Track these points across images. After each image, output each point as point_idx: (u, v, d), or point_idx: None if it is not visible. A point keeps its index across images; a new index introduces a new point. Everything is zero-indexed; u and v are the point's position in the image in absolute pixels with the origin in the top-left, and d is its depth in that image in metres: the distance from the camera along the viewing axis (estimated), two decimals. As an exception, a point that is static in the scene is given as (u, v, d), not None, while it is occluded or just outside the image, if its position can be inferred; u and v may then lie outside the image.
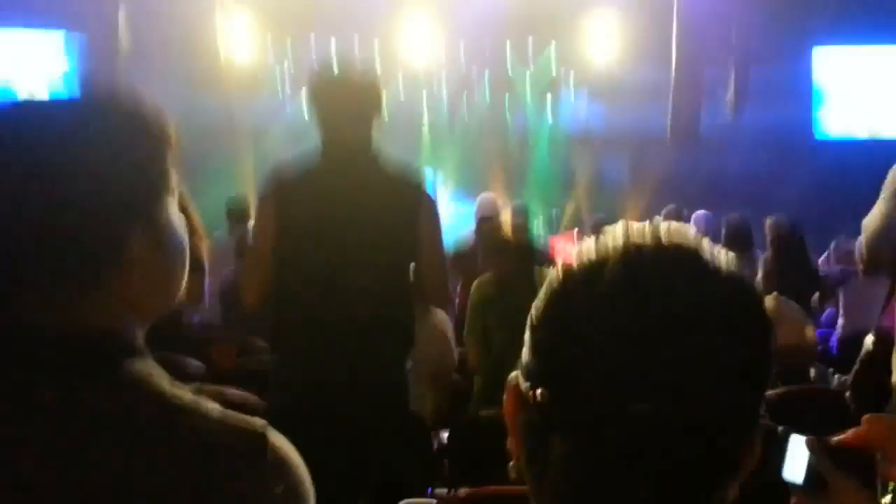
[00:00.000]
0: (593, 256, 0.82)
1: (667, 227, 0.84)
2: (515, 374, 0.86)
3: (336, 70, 3.13)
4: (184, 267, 1.04)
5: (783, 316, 4.85)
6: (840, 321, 5.91)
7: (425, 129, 18.06)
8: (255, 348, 4.96)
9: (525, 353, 0.86)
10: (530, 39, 16.50)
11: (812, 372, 5.19)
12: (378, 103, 2.93)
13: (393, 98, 18.08)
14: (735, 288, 0.82)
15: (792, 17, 15.46)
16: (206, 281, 6.56)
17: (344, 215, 2.78)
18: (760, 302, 0.86)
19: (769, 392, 0.89)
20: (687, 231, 0.85)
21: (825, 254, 9.11)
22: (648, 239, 0.83)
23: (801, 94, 16.17)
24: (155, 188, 1.01)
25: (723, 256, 0.83)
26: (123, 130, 1.00)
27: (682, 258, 0.82)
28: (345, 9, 15.23)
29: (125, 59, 14.07)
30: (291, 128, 18.33)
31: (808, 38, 16.08)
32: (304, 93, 15.95)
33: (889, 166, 3.34)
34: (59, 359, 0.89)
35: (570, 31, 15.80)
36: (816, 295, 6.43)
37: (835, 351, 5.91)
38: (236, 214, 8.39)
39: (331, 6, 15.20)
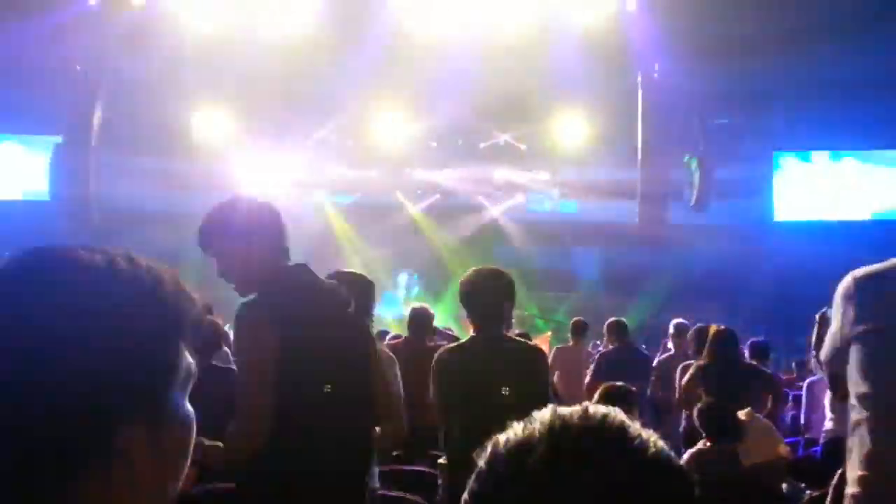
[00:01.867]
0: (520, 439, 0.83)
1: (594, 410, 0.85)
2: None
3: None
4: (181, 473, 0.91)
5: (755, 431, 4.83)
6: (828, 423, 5.79)
7: (398, 221, 18.28)
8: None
9: None
10: (502, 138, 16.85)
11: (784, 487, 5.16)
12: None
13: (368, 186, 18.42)
14: (663, 470, 0.82)
15: (753, 122, 16.14)
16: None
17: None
18: (692, 486, 0.85)
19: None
20: (614, 412, 0.85)
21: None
22: (575, 420, 0.83)
23: (761, 190, 16.73)
24: (162, 377, 0.87)
25: (651, 436, 0.83)
26: (133, 304, 0.84)
27: (608, 440, 0.82)
28: (321, 108, 15.54)
29: (97, 156, 14.12)
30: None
31: (768, 142, 16.76)
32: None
33: (838, 249, 3.38)
34: None
35: (539, 131, 16.18)
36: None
37: (819, 456, 5.81)
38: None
39: (307, 102, 15.48)
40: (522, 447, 0.83)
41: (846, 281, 2.24)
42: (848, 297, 2.21)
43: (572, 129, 15.49)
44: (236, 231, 2.78)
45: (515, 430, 0.85)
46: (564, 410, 0.85)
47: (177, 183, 16.76)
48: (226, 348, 5.91)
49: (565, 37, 13.23)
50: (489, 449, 0.85)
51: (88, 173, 13.90)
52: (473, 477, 0.85)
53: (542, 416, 0.85)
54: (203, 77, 14.65)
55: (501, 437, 0.85)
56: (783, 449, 4.98)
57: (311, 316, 2.86)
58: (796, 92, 14.98)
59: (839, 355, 2.28)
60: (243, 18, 13.47)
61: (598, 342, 10.93)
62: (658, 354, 8.44)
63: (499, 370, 3.60)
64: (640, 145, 14.03)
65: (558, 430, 0.82)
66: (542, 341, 9.82)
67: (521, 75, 14.01)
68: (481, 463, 0.85)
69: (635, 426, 0.84)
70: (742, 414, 4.88)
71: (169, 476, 0.89)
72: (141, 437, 0.83)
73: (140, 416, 0.83)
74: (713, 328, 5.96)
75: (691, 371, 5.72)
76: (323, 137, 16.71)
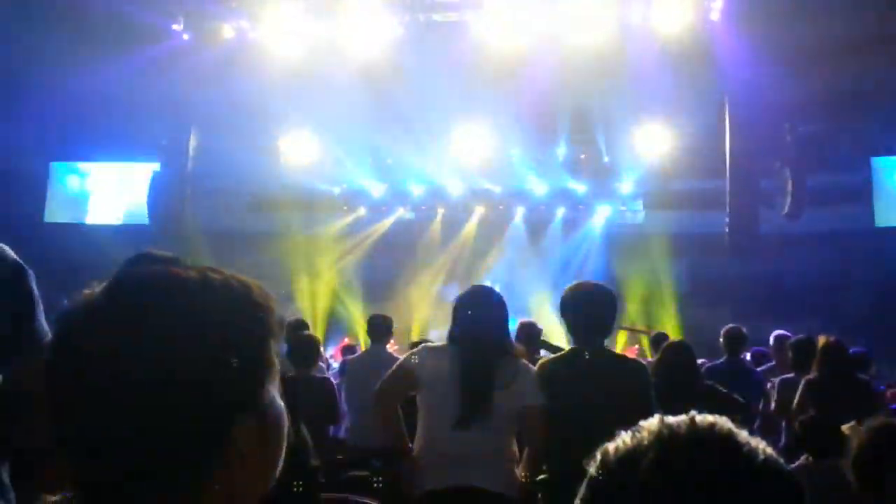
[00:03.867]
0: (629, 446, 0.85)
1: (701, 418, 0.85)
2: None
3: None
4: (280, 460, 0.98)
5: None
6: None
7: (475, 237, 18.33)
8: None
9: None
10: (582, 155, 16.75)
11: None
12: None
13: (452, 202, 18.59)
14: (772, 477, 0.82)
15: (848, 126, 15.51)
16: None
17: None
18: (802, 492, 0.85)
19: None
20: (722, 420, 0.86)
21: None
22: (683, 430, 0.84)
23: (858, 197, 16.06)
24: (262, 376, 0.95)
25: (759, 443, 0.84)
26: (231, 309, 0.93)
27: (716, 448, 0.83)
28: (403, 127, 15.78)
29: (193, 181, 14.74)
30: (346, 242, 18.97)
31: (865, 147, 16.08)
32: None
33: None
34: None
35: (623, 141, 16.00)
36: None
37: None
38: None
39: (390, 123, 15.75)
40: (632, 455, 0.84)
41: None
42: None
43: (656, 140, 15.26)
44: None
45: (624, 438, 0.87)
46: (672, 419, 0.86)
47: (266, 205, 17.34)
48: (321, 363, 6.18)
49: (646, 48, 13.09)
50: (599, 457, 0.88)
51: (184, 198, 14.50)
52: (585, 485, 0.87)
53: (650, 424, 0.87)
54: (290, 102, 15.10)
55: (611, 446, 0.87)
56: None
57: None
58: (891, 95, 14.37)
59: None
60: (327, 44, 13.85)
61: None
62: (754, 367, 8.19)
63: (602, 384, 3.60)
64: (727, 155, 13.70)
65: (667, 439, 0.84)
66: (631, 353, 9.68)
67: (602, 87, 13.94)
68: (592, 471, 0.88)
69: (743, 434, 0.85)
70: (846, 428, 4.71)
71: (271, 464, 0.97)
72: (252, 427, 0.92)
73: (249, 408, 0.92)
74: (822, 340, 5.72)
75: (802, 387, 5.47)
76: (403, 156, 16.98)
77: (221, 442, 0.89)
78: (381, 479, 4.67)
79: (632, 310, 16.49)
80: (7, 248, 1.55)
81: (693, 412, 0.88)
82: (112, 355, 0.86)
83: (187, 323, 0.89)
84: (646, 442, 0.85)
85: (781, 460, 0.85)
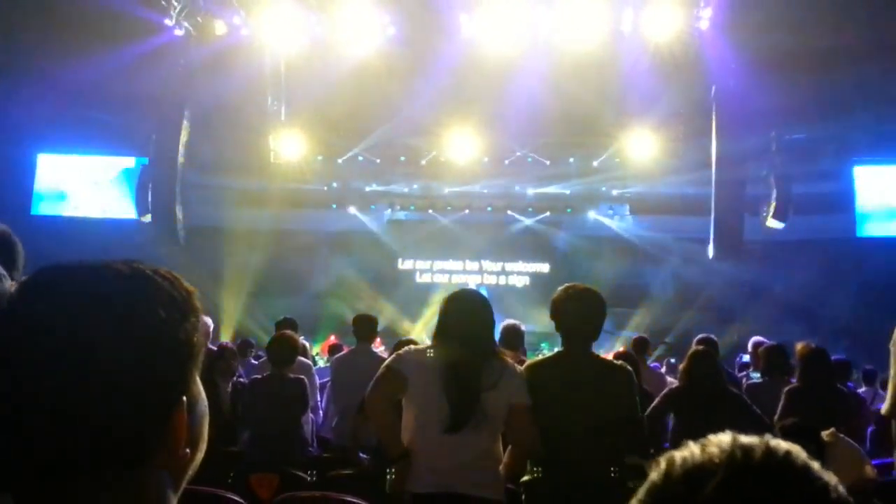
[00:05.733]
0: (697, 461, 0.84)
1: (776, 444, 0.84)
2: None
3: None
4: (206, 427, 1.07)
5: (841, 453, 4.69)
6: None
7: (468, 241, 18.43)
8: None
9: None
10: (571, 159, 16.87)
11: (871, 511, 5.00)
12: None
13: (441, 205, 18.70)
14: None
15: (832, 134, 15.69)
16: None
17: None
18: None
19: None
20: (797, 450, 0.84)
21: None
22: (757, 455, 0.83)
23: (842, 207, 16.25)
24: (194, 358, 1.01)
25: (832, 478, 0.81)
26: (166, 307, 0.97)
27: (790, 479, 0.81)
28: (392, 127, 15.82)
29: (182, 175, 14.71)
30: (337, 240, 19.00)
31: (848, 156, 16.28)
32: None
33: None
34: None
35: (609, 147, 16.11)
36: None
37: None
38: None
39: (378, 122, 15.80)
40: (701, 470, 0.83)
41: None
42: None
43: (643, 145, 15.39)
44: None
45: (693, 450, 0.85)
46: (745, 440, 0.85)
47: (255, 201, 17.35)
48: (300, 358, 6.21)
49: (636, 55, 13.21)
50: (663, 465, 0.86)
51: (174, 192, 14.47)
52: (645, 489, 0.87)
53: (722, 441, 0.85)
54: (280, 100, 15.12)
55: (677, 455, 0.86)
56: (870, 470, 4.84)
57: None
58: (875, 104, 14.56)
59: None
60: (319, 43, 13.88)
61: (673, 359, 10.82)
62: (734, 372, 8.29)
63: (588, 386, 3.64)
64: (713, 161, 13.84)
65: (740, 461, 0.82)
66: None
67: (591, 92, 14.02)
68: (654, 476, 0.86)
69: (817, 466, 0.83)
70: (825, 435, 4.77)
71: (202, 438, 1.05)
72: (183, 408, 0.97)
73: (184, 390, 0.98)
74: (802, 347, 5.75)
75: (784, 395, 5.49)
76: (393, 155, 17.03)
77: (161, 426, 0.95)
78: (367, 473, 4.71)
79: (611, 313, 16.57)
80: None
81: (768, 436, 0.86)
82: (49, 350, 0.90)
83: (122, 313, 0.93)
84: (716, 460, 0.83)
85: (852, 500, 0.82)
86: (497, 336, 3.92)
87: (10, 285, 1.42)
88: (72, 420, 0.89)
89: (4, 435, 0.90)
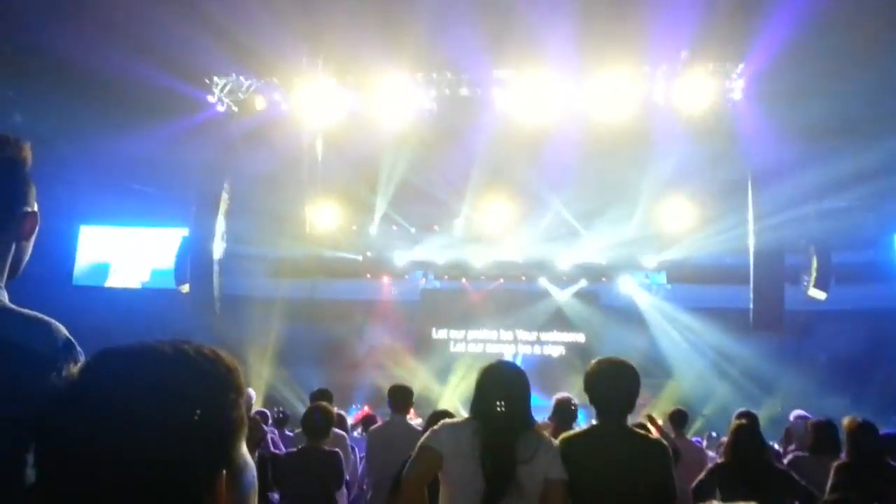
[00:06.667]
0: None
1: None
2: None
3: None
4: (255, 498, 1.13)
5: None
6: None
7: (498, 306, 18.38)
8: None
9: None
10: (606, 227, 16.84)
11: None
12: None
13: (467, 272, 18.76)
14: None
15: (871, 203, 15.52)
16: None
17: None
18: None
19: None
20: None
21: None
22: None
23: (885, 276, 15.93)
24: (235, 432, 1.07)
25: None
26: (206, 387, 1.04)
27: None
28: (429, 198, 15.99)
29: (220, 248, 14.94)
30: (371, 310, 19.08)
31: (888, 224, 16.05)
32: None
33: None
34: None
35: (644, 216, 16.06)
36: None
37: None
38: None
39: (413, 200, 15.99)
40: None
41: None
42: None
43: (679, 213, 15.34)
44: None
45: None
46: None
47: (290, 271, 17.54)
48: (335, 430, 6.15)
49: (670, 125, 13.28)
50: None
51: (212, 262, 14.68)
52: None
53: None
54: (316, 171, 15.40)
55: None
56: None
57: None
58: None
59: None
60: (355, 116, 14.19)
61: (715, 434, 10.53)
62: (780, 448, 8.04)
63: (623, 461, 3.59)
64: (751, 230, 13.71)
65: None
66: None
67: (625, 162, 14.10)
68: None
69: None
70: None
71: None
72: (222, 485, 1.05)
73: (227, 464, 1.06)
74: (850, 422, 5.58)
75: (832, 472, 5.34)
76: (427, 224, 17.18)
77: (207, 492, 1.02)
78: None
79: (646, 385, 16.29)
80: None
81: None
82: (103, 427, 0.98)
83: (165, 397, 1.01)
84: None
85: None
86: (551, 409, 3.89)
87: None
88: (123, 489, 0.97)
89: (66, 492, 0.99)
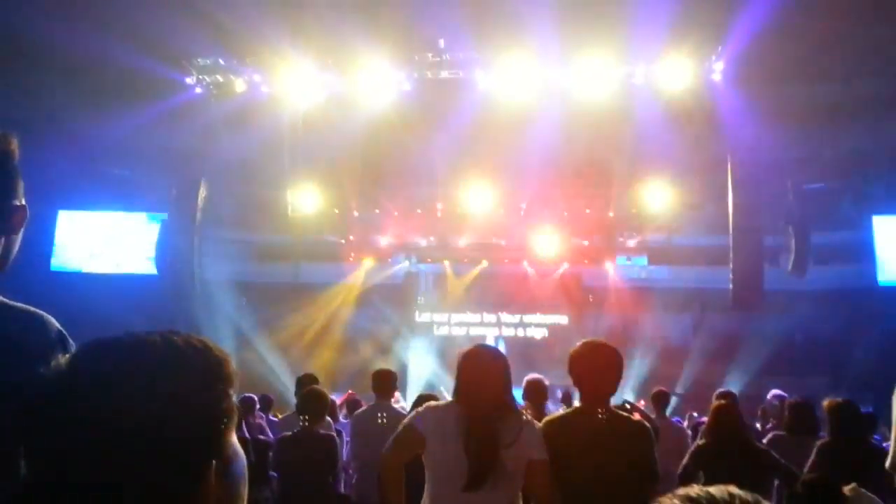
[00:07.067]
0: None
1: (746, 496, 0.87)
2: None
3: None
4: (245, 487, 1.15)
5: None
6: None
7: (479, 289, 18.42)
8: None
9: None
10: (588, 210, 16.89)
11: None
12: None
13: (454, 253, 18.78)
14: None
15: (850, 184, 15.65)
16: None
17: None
18: None
19: None
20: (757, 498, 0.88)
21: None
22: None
23: (861, 255, 16.12)
24: (224, 423, 1.08)
25: None
26: (194, 379, 1.05)
27: None
28: (408, 180, 15.96)
29: (200, 231, 14.83)
30: (353, 293, 19.05)
31: (866, 205, 16.20)
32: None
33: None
34: None
35: (626, 198, 16.11)
36: None
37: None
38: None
39: (396, 182, 15.95)
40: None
41: None
42: None
43: (660, 195, 15.41)
44: None
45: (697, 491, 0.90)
46: (714, 491, 0.90)
47: (272, 255, 17.47)
48: (328, 418, 6.16)
49: (650, 107, 13.31)
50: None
51: (192, 247, 14.59)
52: None
53: (724, 490, 0.89)
54: (297, 154, 15.31)
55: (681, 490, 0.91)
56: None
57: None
58: (892, 154, 14.54)
59: None
60: (335, 98, 14.11)
61: (696, 413, 10.65)
62: (756, 425, 8.14)
63: (606, 443, 3.64)
64: (730, 212, 13.80)
65: None
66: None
67: (606, 144, 14.12)
68: None
69: None
70: (847, 489, 4.66)
71: (237, 498, 1.16)
72: (217, 467, 1.07)
73: (216, 454, 1.07)
74: (828, 402, 5.62)
75: (814, 452, 5.38)
76: (410, 207, 17.14)
77: (196, 482, 1.04)
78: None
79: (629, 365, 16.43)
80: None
81: (733, 487, 0.90)
82: (93, 420, 0.99)
83: (154, 388, 1.01)
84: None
85: None
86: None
87: None
88: (112, 477, 0.98)
89: (57, 486, 0.99)
